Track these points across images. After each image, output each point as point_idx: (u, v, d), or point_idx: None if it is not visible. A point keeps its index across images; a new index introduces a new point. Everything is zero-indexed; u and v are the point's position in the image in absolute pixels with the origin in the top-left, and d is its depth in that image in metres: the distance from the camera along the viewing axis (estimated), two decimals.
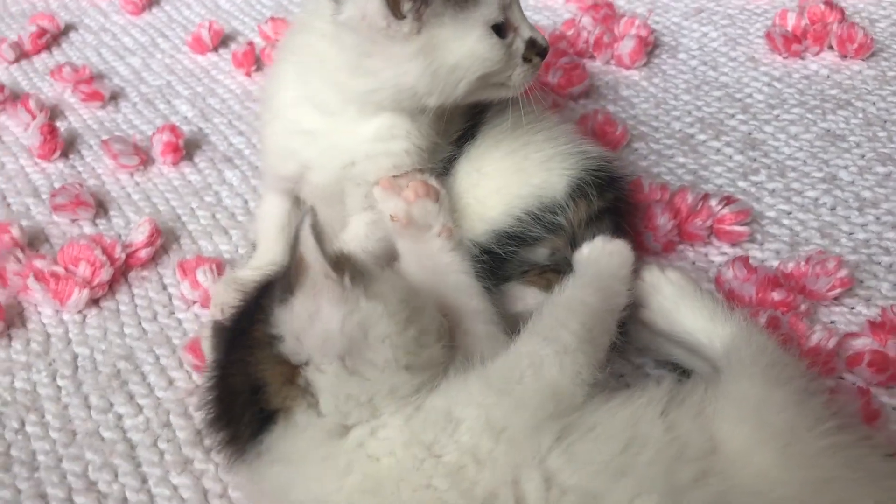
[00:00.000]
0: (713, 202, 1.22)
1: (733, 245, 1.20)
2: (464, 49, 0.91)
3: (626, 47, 1.57)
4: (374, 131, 0.99)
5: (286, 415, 0.73)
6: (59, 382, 1.05)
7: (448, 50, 0.91)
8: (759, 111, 1.46)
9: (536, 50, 0.97)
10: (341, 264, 0.74)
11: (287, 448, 0.73)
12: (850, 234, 1.22)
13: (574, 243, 1.04)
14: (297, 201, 1.12)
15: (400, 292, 0.77)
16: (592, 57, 1.61)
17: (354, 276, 0.74)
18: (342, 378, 0.72)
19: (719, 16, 1.71)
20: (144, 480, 0.94)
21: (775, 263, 1.16)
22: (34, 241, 1.25)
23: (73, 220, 1.29)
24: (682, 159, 1.37)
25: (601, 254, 0.95)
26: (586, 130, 1.37)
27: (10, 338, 1.11)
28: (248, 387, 0.74)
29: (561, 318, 0.82)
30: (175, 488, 0.92)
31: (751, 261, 1.13)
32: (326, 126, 1.00)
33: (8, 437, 0.99)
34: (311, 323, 0.72)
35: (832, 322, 1.09)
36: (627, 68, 1.58)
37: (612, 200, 1.08)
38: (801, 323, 1.03)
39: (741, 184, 1.31)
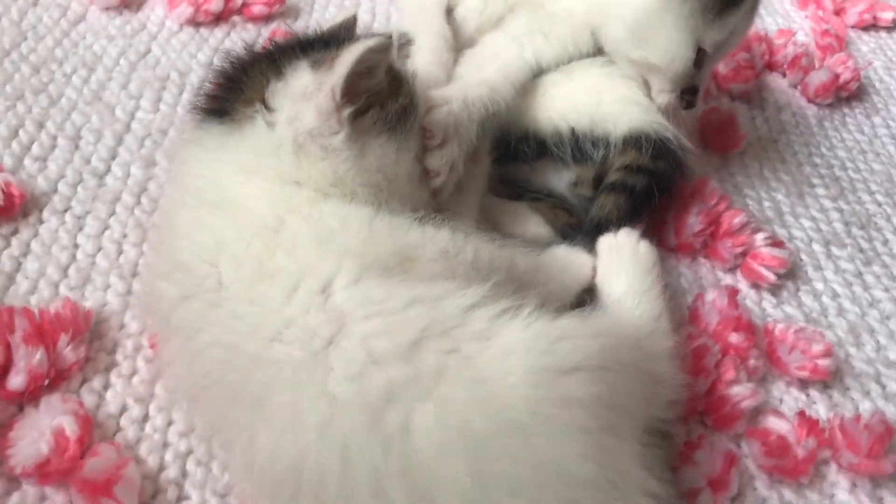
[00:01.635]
0: (760, 236, 1.11)
1: (752, 286, 1.10)
2: None
3: (817, 78, 1.43)
4: None
5: (244, 122, 0.78)
6: None
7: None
8: None
9: None
10: (360, 97, 0.76)
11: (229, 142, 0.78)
12: (881, 347, 1.06)
13: (598, 184, 1.02)
14: None
15: (384, 167, 0.79)
16: (783, 74, 1.48)
17: (361, 117, 0.76)
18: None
19: None
20: None
21: (767, 318, 1.05)
22: None
23: None
24: (779, 196, 1.25)
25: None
26: (708, 118, 1.29)
27: None
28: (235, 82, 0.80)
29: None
30: None
31: (740, 297, 1.03)
32: None
33: None
34: (293, 105, 0.76)
35: (780, 400, 0.97)
36: (808, 100, 1.44)
37: (658, 168, 1.03)
38: (730, 370, 0.94)
39: (815, 246, 1.18)
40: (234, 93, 0.79)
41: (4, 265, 0.92)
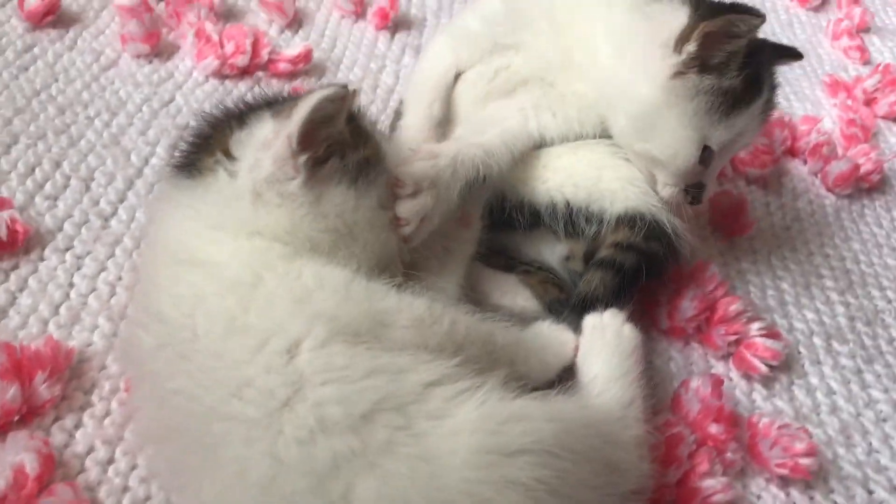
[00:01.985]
0: (755, 325, 1.09)
1: (743, 376, 1.08)
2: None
3: (837, 168, 1.41)
4: None
5: (207, 173, 0.81)
6: None
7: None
8: None
9: None
10: (319, 145, 0.78)
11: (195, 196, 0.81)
12: (872, 450, 1.03)
13: (587, 260, 1.02)
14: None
15: (342, 214, 0.80)
16: (804, 161, 1.47)
17: (321, 166, 0.78)
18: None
19: None
20: None
21: (756, 410, 1.03)
22: None
23: None
24: (784, 284, 1.23)
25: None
26: (718, 201, 1.29)
27: None
28: (205, 138, 0.83)
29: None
30: None
31: (729, 386, 1.01)
32: None
33: None
34: (254, 153, 0.78)
35: (758, 497, 0.95)
36: (827, 189, 1.43)
37: (649, 249, 1.02)
38: (705, 462, 0.92)
39: (816, 339, 1.15)
40: (201, 147, 0.82)
41: (0, 298, 0.95)
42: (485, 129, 1.03)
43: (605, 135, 1.07)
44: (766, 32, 1.75)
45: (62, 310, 0.96)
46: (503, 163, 1.00)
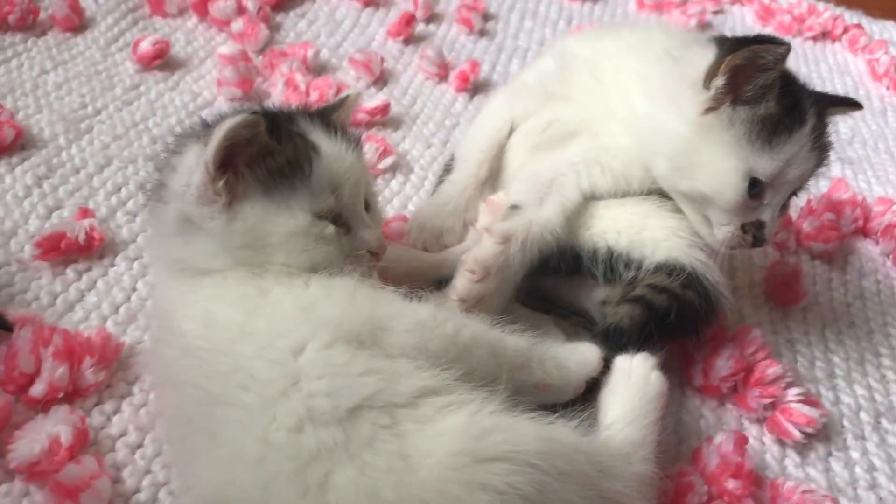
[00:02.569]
0: (793, 391, 1.07)
1: (776, 441, 1.05)
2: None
3: None
4: None
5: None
6: None
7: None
8: None
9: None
10: (232, 171, 0.80)
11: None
12: None
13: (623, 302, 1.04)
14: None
15: (252, 229, 0.81)
16: (876, 241, 1.44)
17: (238, 190, 0.81)
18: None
19: None
20: None
21: (774, 472, 1.00)
22: None
23: None
24: (836, 358, 1.20)
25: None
26: (773, 270, 1.28)
27: None
28: None
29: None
30: None
31: (761, 450, 1.00)
32: None
33: None
34: (177, 179, 0.82)
35: None
36: None
37: (684, 296, 1.02)
38: None
39: (863, 415, 1.12)
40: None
41: (70, 295, 1.05)
42: (542, 192, 1.05)
43: (653, 191, 1.09)
44: (861, 118, 1.75)
45: (121, 309, 1.05)
46: (560, 231, 1.02)
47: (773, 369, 1.08)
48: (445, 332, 0.82)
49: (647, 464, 0.85)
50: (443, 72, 1.66)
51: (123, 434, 0.91)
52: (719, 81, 0.97)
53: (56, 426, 0.86)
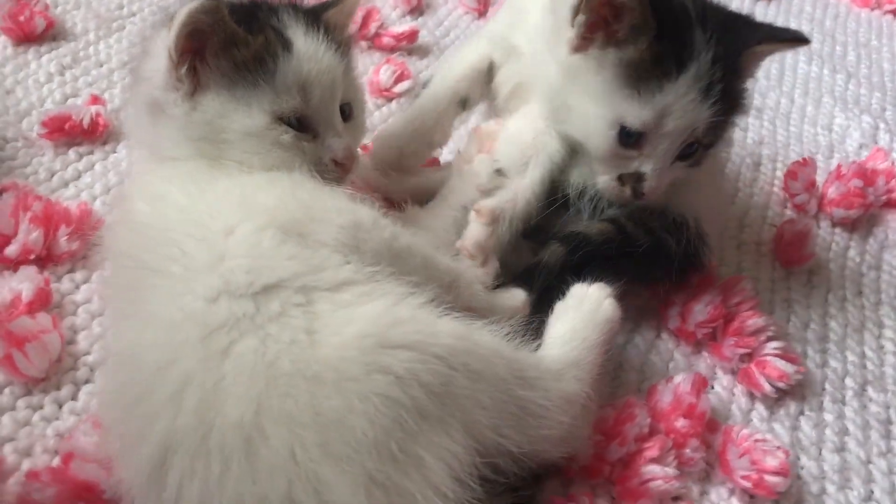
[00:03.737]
0: (772, 344, 1.03)
1: (747, 394, 1.02)
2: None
3: None
4: None
5: None
6: None
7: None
8: None
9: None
10: (200, 60, 0.80)
11: None
12: (871, 498, 0.94)
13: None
14: None
15: (211, 122, 0.82)
16: None
17: (202, 79, 0.81)
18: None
19: None
20: None
21: (737, 423, 0.97)
22: None
23: None
24: (833, 324, 1.15)
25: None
26: (783, 229, 1.23)
27: None
28: None
29: None
30: None
31: (709, 393, 0.97)
32: None
33: None
34: (148, 63, 0.84)
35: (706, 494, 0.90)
36: None
37: (662, 239, 0.99)
38: (655, 448, 0.88)
39: (849, 381, 1.07)
40: None
41: (67, 173, 1.10)
42: (526, 156, 1.00)
43: None
44: None
45: (112, 191, 1.08)
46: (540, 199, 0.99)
47: (753, 320, 1.04)
48: (382, 235, 0.81)
49: (578, 384, 0.83)
50: (482, 7, 1.64)
51: (88, 302, 0.95)
52: (580, 19, 0.90)
53: (21, 283, 0.90)
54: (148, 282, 0.75)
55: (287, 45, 0.84)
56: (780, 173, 1.39)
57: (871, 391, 1.06)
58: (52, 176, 1.09)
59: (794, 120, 1.56)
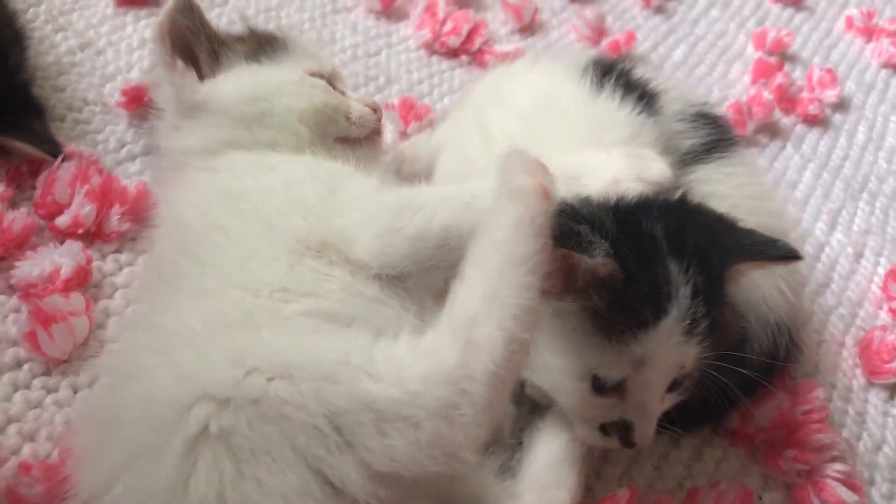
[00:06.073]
0: (836, 466, 0.94)
1: None
2: None
3: None
4: None
5: None
6: None
7: None
8: None
9: None
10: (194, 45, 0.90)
11: None
12: None
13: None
14: None
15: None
16: None
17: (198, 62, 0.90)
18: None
19: None
20: None
21: None
22: None
23: None
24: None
25: None
26: (870, 336, 1.13)
27: None
28: None
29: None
30: None
31: None
32: None
33: None
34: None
35: None
36: None
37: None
38: None
39: None
40: None
41: (136, 148, 1.08)
42: None
43: None
44: None
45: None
46: None
47: (820, 436, 0.95)
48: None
49: None
50: (597, 36, 1.56)
51: (126, 286, 0.93)
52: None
53: (63, 258, 0.88)
54: (183, 263, 0.76)
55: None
56: (881, 269, 1.28)
57: None
58: (122, 147, 1.07)
59: None
